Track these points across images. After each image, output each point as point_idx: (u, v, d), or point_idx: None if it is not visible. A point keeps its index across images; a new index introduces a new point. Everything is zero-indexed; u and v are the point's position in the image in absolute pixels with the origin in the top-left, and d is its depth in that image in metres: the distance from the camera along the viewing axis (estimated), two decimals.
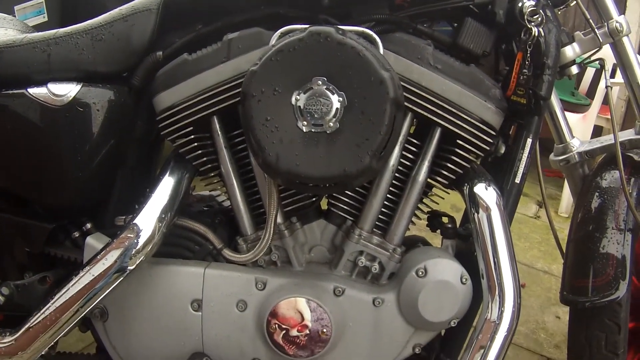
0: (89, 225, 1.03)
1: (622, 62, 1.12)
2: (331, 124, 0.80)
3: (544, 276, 2.13)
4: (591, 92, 2.76)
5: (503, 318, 0.89)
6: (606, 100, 2.65)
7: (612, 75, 2.60)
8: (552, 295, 2.01)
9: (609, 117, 2.86)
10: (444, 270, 0.93)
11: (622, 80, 2.29)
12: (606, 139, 1.22)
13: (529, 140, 1.02)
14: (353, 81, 0.80)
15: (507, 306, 0.89)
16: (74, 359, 1.10)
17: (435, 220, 1.09)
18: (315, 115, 0.80)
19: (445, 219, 1.07)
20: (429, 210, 1.09)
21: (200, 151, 0.97)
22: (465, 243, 1.03)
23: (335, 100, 0.80)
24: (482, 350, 0.89)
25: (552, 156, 1.29)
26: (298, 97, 0.81)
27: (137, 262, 0.90)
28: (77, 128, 0.93)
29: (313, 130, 0.80)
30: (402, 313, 0.94)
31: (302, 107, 0.80)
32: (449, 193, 1.05)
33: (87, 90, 0.92)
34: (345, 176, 0.79)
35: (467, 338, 1.00)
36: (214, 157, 0.98)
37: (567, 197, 2.69)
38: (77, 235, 1.03)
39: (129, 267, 0.90)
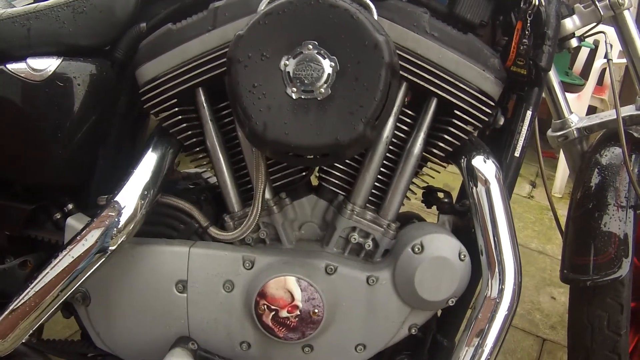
0: (70, 206, 0.98)
1: (623, 36, 1.08)
2: (322, 90, 0.74)
3: (539, 256, 2.10)
4: (585, 72, 2.73)
5: (503, 296, 0.85)
6: (600, 81, 2.62)
7: (607, 55, 2.57)
8: (547, 276, 1.98)
9: (603, 97, 2.84)
10: (442, 246, 0.88)
11: (618, 60, 2.27)
12: (606, 115, 1.18)
13: (529, 113, 0.98)
14: (346, 45, 0.74)
15: (507, 283, 0.85)
16: (57, 346, 1.05)
17: (430, 195, 1.05)
18: (306, 81, 0.75)
19: (441, 195, 1.03)
20: (424, 186, 1.05)
21: (184, 124, 0.91)
22: (462, 219, 0.99)
23: (327, 65, 0.75)
24: (481, 330, 0.85)
25: (549, 132, 1.26)
26: (287, 62, 0.75)
27: (119, 241, 0.85)
28: (58, 104, 0.89)
29: (303, 97, 0.75)
30: (397, 292, 0.90)
31: (291, 73, 0.75)
32: (445, 167, 1.01)
33: (68, 64, 0.89)
34: (337, 145, 0.74)
35: (465, 318, 0.97)
36: (199, 130, 0.93)
37: (560, 177, 2.67)
38: (58, 217, 0.99)
39: (110, 248, 0.85)
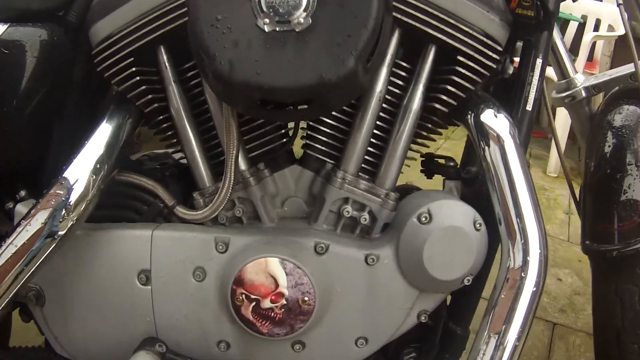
0: (23, 193, 0.86)
1: None
2: (301, 19, 0.60)
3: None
4: (574, 48, 2.63)
5: (529, 268, 0.71)
6: (591, 57, 2.52)
7: (596, 29, 2.48)
8: (550, 257, 1.86)
9: (594, 72, 2.76)
10: (453, 214, 0.74)
11: (607, 34, 2.16)
12: (613, 72, 1.11)
13: (539, 61, 0.85)
14: None
15: (532, 253, 0.71)
16: (17, 354, 0.91)
17: (431, 163, 0.91)
18: (281, 10, 0.60)
19: (442, 160, 0.89)
20: (423, 153, 0.91)
21: (144, 87, 0.77)
22: (471, 187, 0.86)
23: None
24: (507, 311, 0.71)
25: (554, 94, 1.18)
26: None
27: (69, 224, 0.71)
28: (4, 74, 0.80)
29: (278, 29, 0.60)
30: (402, 272, 0.75)
31: (262, 1, 0.61)
32: (441, 134, 0.87)
33: (15, 30, 0.79)
34: (322, 85, 0.59)
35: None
36: (161, 95, 0.79)
37: (554, 156, 2.57)
38: (10, 206, 0.86)
39: (59, 232, 0.71)
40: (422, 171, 0.93)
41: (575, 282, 1.72)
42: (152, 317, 0.77)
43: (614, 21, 2.31)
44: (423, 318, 0.78)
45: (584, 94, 1.10)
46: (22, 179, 0.87)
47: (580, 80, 1.11)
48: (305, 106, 0.65)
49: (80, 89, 0.87)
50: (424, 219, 0.73)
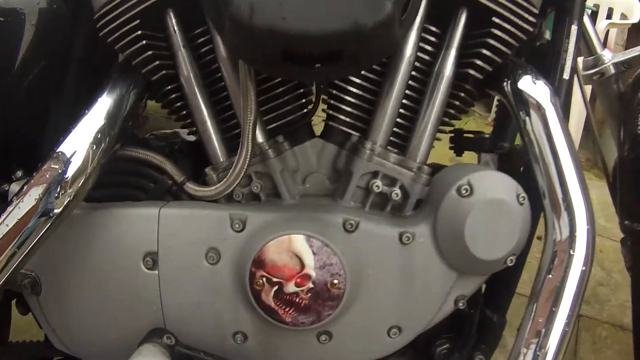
0: (19, 173, 0.79)
1: None
2: None
3: None
4: None
5: (576, 242, 0.63)
6: (604, 43, 2.47)
7: (609, 18, 2.43)
8: None
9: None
10: (495, 186, 0.66)
11: (621, 22, 2.12)
12: None
13: (574, 27, 0.79)
14: None
15: (579, 227, 0.64)
16: (15, 349, 0.85)
17: (461, 139, 0.84)
18: None
19: (471, 135, 0.83)
20: (452, 129, 0.84)
21: (151, 52, 0.69)
22: (507, 163, 0.79)
23: None
24: (555, 292, 0.63)
25: (581, 71, 1.12)
26: None
27: (66, 201, 0.63)
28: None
29: None
30: (440, 251, 0.67)
31: None
32: (473, 104, 0.80)
33: None
34: (355, 32, 0.51)
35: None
36: (169, 62, 0.71)
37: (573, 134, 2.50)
38: (6, 188, 0.79)
39: (55, 210, 0.63)
40: (451, 148, 0.86)
41: (597, 272, 1.66)
42: (159, 306, 0.69)
43: (627, 9, 2.26)
44: (461, 304, 0.70)
45: (613, 70, 1.05)
46: (18, 158, 0.79)
47: (609, 56, 1.06)
48: (334, 62, 0.57)
49: (81, 63, 0.81)
50: (464, 191, 0.65)
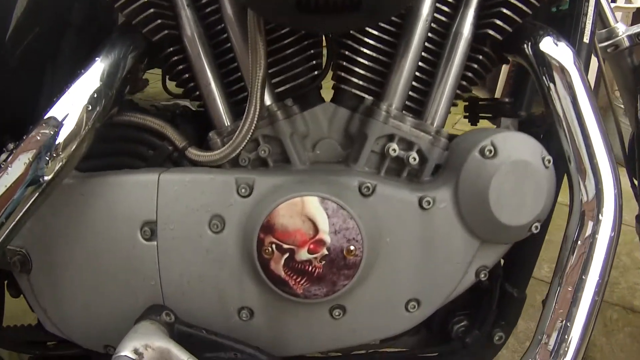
0: (11, 146, 0.73)
1: None
2: None
3: (564, 208, 1.89)
4: None
5: (604, 207, 0.60)
6: None
7: (613, 2, 2.44)
8: None
9: None
10: (520, 147, 0.62)
11: (626, 5, 2.09)
12: None
13: None
14: None
15: (606, 189, 0.60)
16: (6, 334, 0.79)
17: (477, 106, 0.80)
18: None
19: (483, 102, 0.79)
20: (467, 97, 0.80)
21: (152, 10, 0.64)
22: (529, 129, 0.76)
23: None
24: (584, 255, 0.59)
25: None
26: None
27: (58, 167, 0.58)
28: None
29: None
30: (462, 217, 0.63)
31: None
32: (491, 70, 0.76)
33: None
34: None
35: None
36: (172, 22, 0.66)
37: None
38: None
39: (45, 177, 0.57)
40: (465, 117, 0.82)
41: None
42: (157, 280, 0.64)
43: None
44: (483, 275, 0.66)
45: (627, 43, 1.02)
46: (11, 130, 0.73)
47: (622, 29, 1.04)
48: (352, 12, 0.53)
49: (78, 32, 0.76)
50: (487, 152, 0.61)
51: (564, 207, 0.76)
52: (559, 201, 0.70)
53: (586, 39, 0.75)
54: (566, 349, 0.58)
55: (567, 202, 0.64)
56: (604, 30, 1.05)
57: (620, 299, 1.42)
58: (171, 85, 0.83)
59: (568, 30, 0.76)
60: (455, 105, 0.72)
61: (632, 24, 2.49)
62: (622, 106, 1.08)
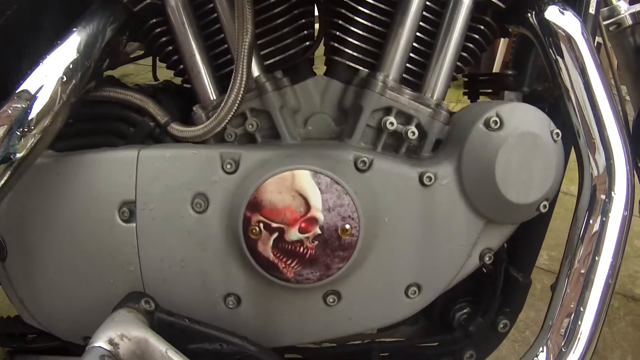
0: None
1: None
2: None
3: (565, 197, 1.87)
4: None
5: (616, 182, 0.56)
6: None
7: None
8: None
9: None
10: (527, 118, 0.58)
11: None
12: None
13: None
14: None
15: (618, 165, 0.57)
16: None
17: (477, 81, 0.76)
18: None
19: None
20: (466, 73, 0.76)
21: None
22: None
23: None
24: (595, 235, 0.55)
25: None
26: None
27: (30, 143, 0.53)
28: None
29: None
30: (466, 195, 0.58)
31: None
32: (492, 42, 0.72)
33: None
34: None
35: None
36: None
37: None
38: None
39: (17, 154, 0.53)
40: (465, 93, 0.77)
41: None
42: (137, 265, 0.59)
43: None
44: (487, 258, 0.61)
45: (630, 21, 0.97)
46: None
47: (625, 7, 1.00)
48: None
49: (59, 6, 0.70)
50: (493, 124, 0.57)
51: (563, 195, 0.73)
52: None
53: (592, 10, 0.72)
54: (579, 335, 0.54)
55: (566, 191, 0.60)
56: (605, 9, 1.01)
57: (620, 287, 1.39)
58: (161, 75, 0.79)
59: (572, 2, 0.72)
60: (455, 79, 0.68)
61: (634, 2, 2.47)
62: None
